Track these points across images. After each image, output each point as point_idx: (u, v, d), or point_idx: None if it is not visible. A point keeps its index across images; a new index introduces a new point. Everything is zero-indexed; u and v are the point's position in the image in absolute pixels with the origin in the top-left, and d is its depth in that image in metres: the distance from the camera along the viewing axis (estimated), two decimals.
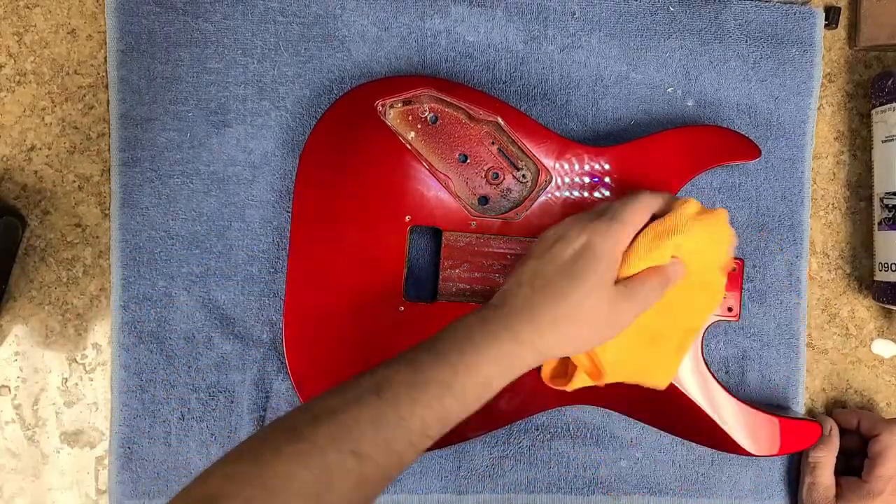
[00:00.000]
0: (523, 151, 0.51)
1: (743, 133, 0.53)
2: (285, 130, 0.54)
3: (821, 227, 0.58)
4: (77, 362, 0.54)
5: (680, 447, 0.56)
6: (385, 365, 0.39)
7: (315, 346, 0.50)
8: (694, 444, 0.55)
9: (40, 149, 0.53)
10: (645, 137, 0.52)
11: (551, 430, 0.55)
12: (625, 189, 0.52)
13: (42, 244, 0.54)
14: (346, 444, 0.35)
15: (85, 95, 0.54)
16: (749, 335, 0.56)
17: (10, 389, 0.54)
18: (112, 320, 0.53)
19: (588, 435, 0.55)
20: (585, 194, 0.52)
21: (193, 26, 0.53)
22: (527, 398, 0.51)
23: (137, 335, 0.53)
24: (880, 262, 0.56)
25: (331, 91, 0.54)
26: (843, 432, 0.55)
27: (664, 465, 0.56)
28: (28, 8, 0.53)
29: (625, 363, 0.47)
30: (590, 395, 0.51)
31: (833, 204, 0.58)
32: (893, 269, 0.54)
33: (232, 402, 0.53)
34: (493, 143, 0.51)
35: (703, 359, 0.52)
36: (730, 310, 0.53)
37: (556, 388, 0.49)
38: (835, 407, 0.58)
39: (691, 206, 0.45)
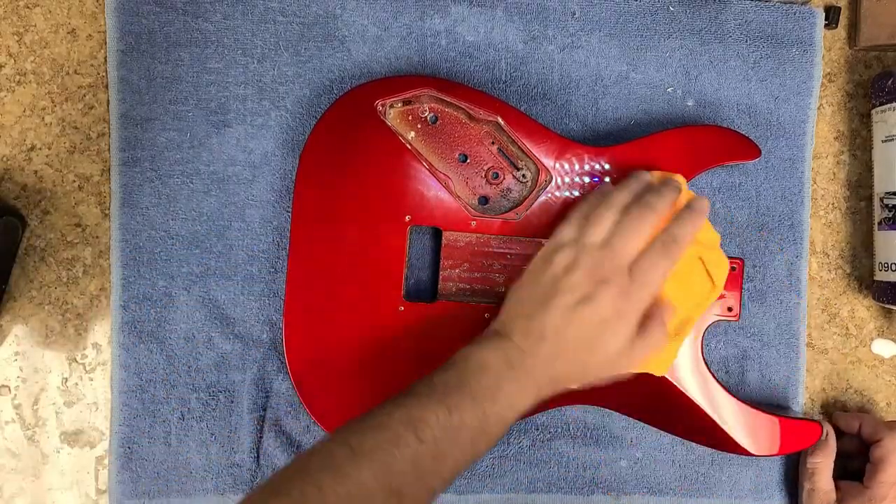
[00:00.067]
0: (523, 151, 0.51)
1: (743, 133, 0.53)
2: (285, 130, 0.54)
3: (821, 227, 0.58)
4: (77, 362, 0.54)
5: (680, 447, 0.56)
6: (415, 397, 0.40)
7: (315, 346, 0.50)
8: (694, 444, 0.55)
9: (40, 149, 0.53)
10: (645, 137, 0.52)
11: (551, 430, 0.55)
12: None
13: (42, 244, 0.54)
14: (390, 483, 0.36)
15: (85, 95, 0.54)
16: (749, 335, 0.56)
17: (10, 389, 0.54)
18: (112, 320, 0.53)
19: (588, 435, 0.55)
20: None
21: (193, 26, 0.53)
22: None
23: (137, 335, 0.53)
24: (880, 262, 0.56)
25: (331, 91, 0.54)
26: (842, 435, 0.55)
27: (664, 465, 0.56)
28: (28, 8, 0.53)
29: None
30: (590, 396, 0.51)
31: (833, 204, 0.58)
32: (893, 268, 0.54)
33: (232, 401, 0.53)
34: (493, 142, 0.51)
35: (703, 359, 0.52)
36: (730, 309, 0.53)
37: None
38: (835, 407, 0.58)
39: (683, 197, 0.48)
